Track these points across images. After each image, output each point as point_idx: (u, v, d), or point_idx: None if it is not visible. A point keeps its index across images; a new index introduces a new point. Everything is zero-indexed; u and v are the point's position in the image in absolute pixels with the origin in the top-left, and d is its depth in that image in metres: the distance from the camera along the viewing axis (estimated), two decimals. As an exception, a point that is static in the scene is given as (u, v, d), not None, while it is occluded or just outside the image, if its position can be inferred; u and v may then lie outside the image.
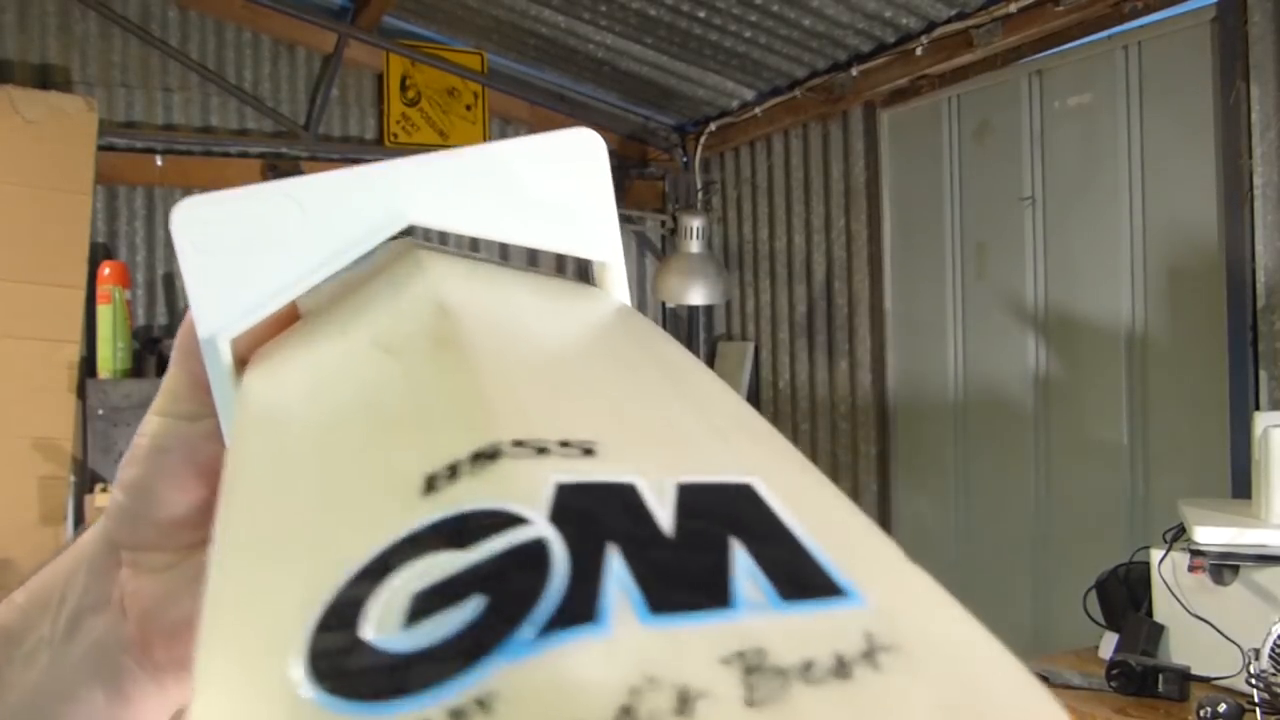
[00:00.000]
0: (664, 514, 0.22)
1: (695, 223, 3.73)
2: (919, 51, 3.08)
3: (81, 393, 3.22)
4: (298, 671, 0.20)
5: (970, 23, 2.89)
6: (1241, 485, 2.20)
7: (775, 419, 3.90)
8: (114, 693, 0.37)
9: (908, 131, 3.29)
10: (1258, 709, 1.61)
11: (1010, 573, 2.94)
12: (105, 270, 3.34)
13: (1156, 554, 1.96)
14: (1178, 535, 1.92)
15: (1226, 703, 1.63)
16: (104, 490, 3.16)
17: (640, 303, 4.36)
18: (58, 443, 3.11)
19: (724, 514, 0.22)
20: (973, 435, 3.08)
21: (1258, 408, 2.25)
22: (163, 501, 0.36)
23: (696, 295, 3.73)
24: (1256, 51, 2.27)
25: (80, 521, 3.25)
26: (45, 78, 3.49)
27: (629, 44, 3.55)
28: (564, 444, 0.24)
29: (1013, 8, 2.77)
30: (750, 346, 4.00)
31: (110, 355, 3.33)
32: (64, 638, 0.37)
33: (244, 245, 0.32)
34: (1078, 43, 2.71)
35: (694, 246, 3.72)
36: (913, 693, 0.19)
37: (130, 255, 3.64)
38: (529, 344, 0.30)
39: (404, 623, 0.20)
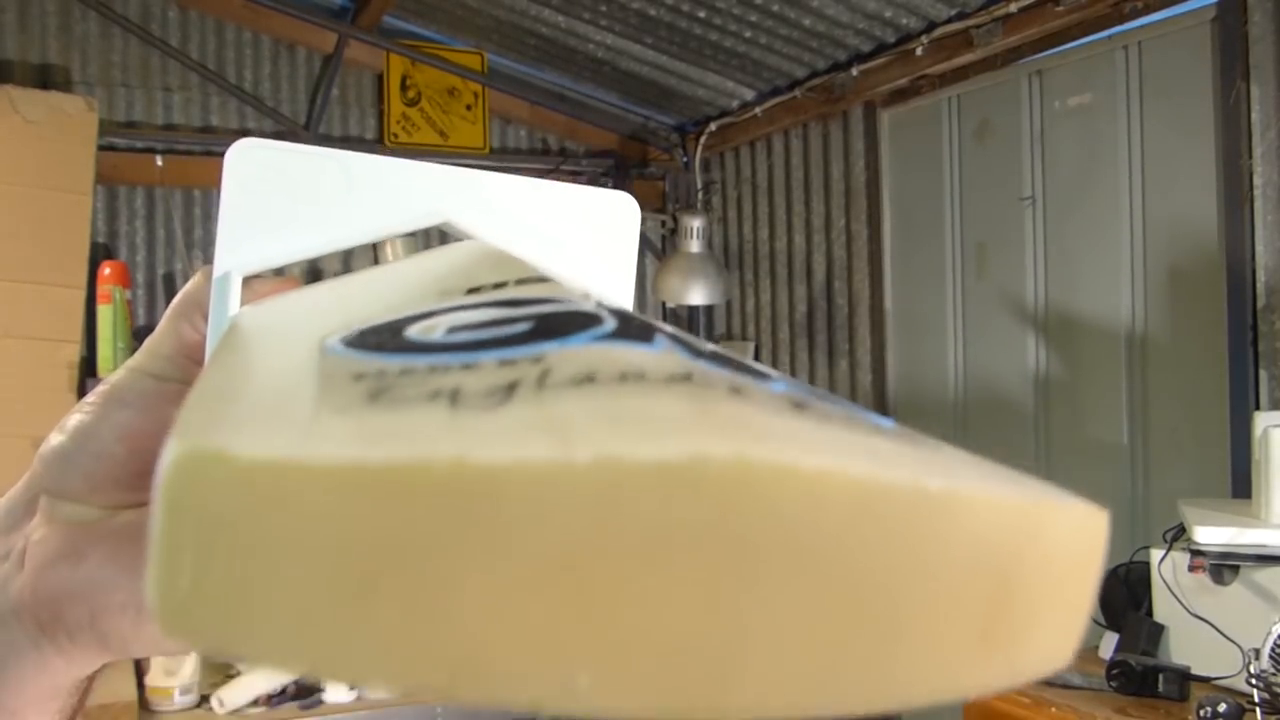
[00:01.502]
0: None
1: (695, 223, 3.73)
2: (919, 51, 3.08)
3: (81, 393, 3.22)
4: (329, 345, 0.22)
5: (970, 23, 2.89)
6: (1241, 485, 2.20)
7: (775, 419, 3.89)
8: (8, 655, 0.34)
9: (908, 131, 3.29)
10: (1258, 709, 1.61)
11: (1010, 573, 2.94)
12: (105, 270, 3.34)
13: (1156, 554, 1.96)
14: (1178, 535, 1.92)
15: (1226, 703, 1.63)
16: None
17: (640, 303, 4.35)
18: (58, 443, 3.10)
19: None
20: (973, 435, 3.08)
21: (1258, 408, 2.25)
22: (101, 450, 0.34)
23: (696, 295, 3.73)
24: (1256, 51, 2.27)
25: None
26: (45, 78, 3.49)
27: (629, 44, 3.55)
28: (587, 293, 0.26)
29: (1013, 8, 2.77)
30: (750, 346, 4.00)
31: (110, 355, 3.33)
32: None
33: (287, 196, 0.33)
34: (1078, 43, 2.71)
35: (694, 246, 3.72)
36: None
37: (130, 255, 3.64)
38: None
39: (456, 330, 0.22)
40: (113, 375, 0.35)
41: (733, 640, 0.18)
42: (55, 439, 0.35)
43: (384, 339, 0.23)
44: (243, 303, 0.33)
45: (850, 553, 0.18)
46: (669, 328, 0.24)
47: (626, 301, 0.37)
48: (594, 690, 0.17)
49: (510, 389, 0.20)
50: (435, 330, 0.23)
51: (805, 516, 0.18)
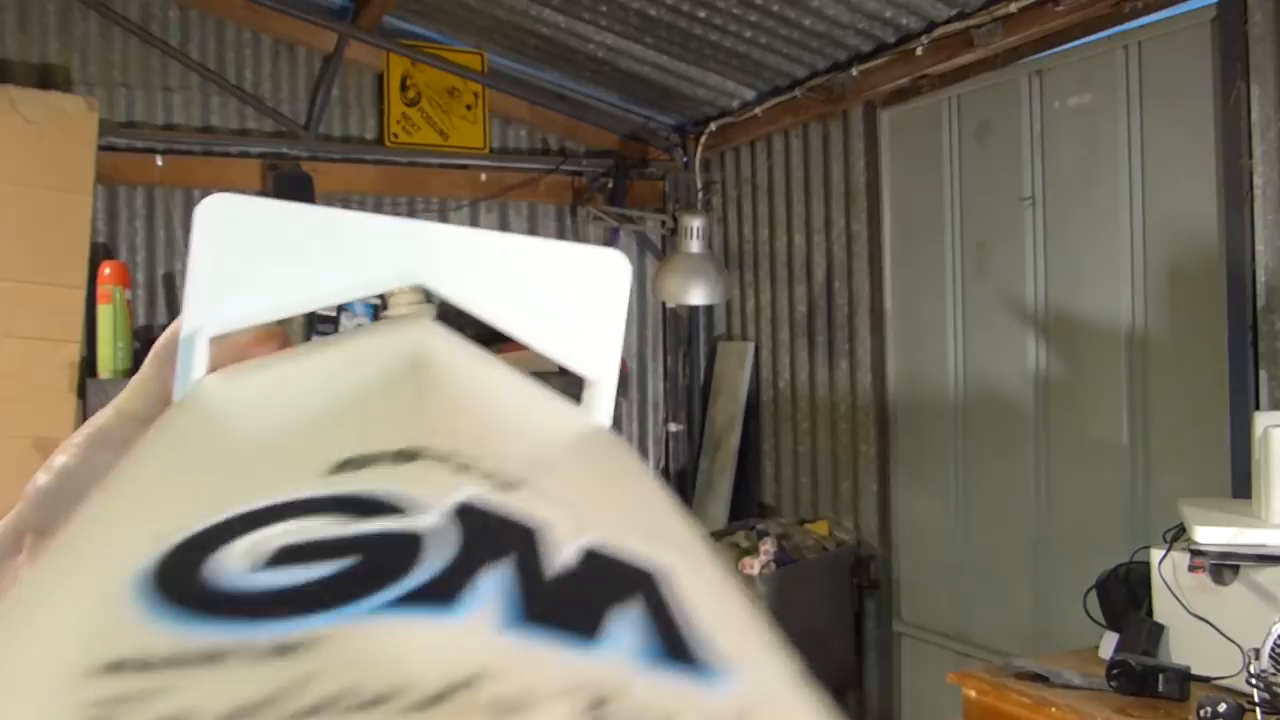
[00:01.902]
0: (563, 559, 0.21)
1: (695, 223, 3.73)
2: (919, 51, 3.08)
3: (82, 392, 3.22)
4: (125, 581, 0.19)
5: (970, 23, 2.89)
6: (1241, 485, 2.20)
7: (775, 419, 3.90)
8: None
9: (908, 131, 3.29)
10: (1258, 709, 1.61)
11: (1010, 573, 2.94)
12: (105, 270, 3.34)
13: (1156, 554, 1.96)
14: (1178, 535, 1.92)
15: (1226, 703, 1.63)
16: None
17: (640, 303, 4.36)
18: (58, 442, 3.09)
19: (620, 579, 0.22)
20: (973, 435, 3.08)
21: (1258, 408, 2.25)
22: (83, 494, 0.33)
23: (696, 295, 3.73)
24: (1256, 51, 2.27)
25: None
26: (45, 78, 3.49)
27: (629, 44, 3.56)
28: (489, 475, 0.23)
29: (1013, 8, 2.77)
30: (750, 346, 4.00)
31: (110, 355, 3.33)
32: None
33: (258, 253, 0.32)
34: (1078, 43, 2.71)
35: (694, 246, 3.72)
36: None
37: (130, 255, 3.64)
38: (495, 403, 0.30)
39: (260, 566, 0.20)
40: (99, 416, 0.36)
41: None
42: (41, 478, 0.36)
43: (186, 580, 0.20)
44: (215, 359, 0.32)
45: None
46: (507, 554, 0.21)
47: (612, 361, 0.36)
48: None
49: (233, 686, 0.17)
50: (251, 559, 0.20)
51: None
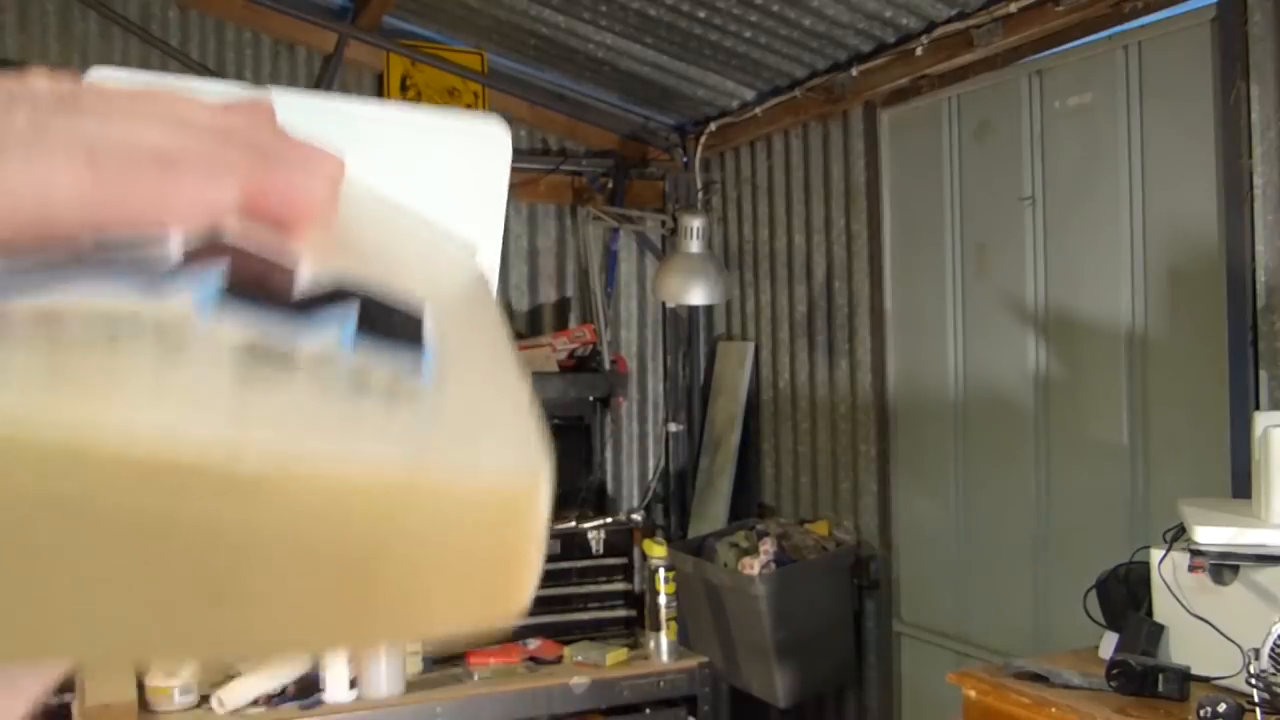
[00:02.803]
0: (300, 281, 0.25)
1: (695, 223, 3.73)
2: (919, 51, 3.08)
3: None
4: None
5: (970, 23, 2.89)
6: (1241, 485, 2.20)
7: (775, 419, 3.90)
8: None
9: (908, 131, 3.29)
10: (1258, 709, 1.61)
11: (1010, 573, 2.94)
12: (105, 270, 3.34)
13: (1156, 554, 1.96)
14: (1178, 535, 1.92)
15: (1226, 703, 1.63)
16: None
17: (640, 302, 4.36)
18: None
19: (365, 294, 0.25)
20: (973, 435, 3.08)
21: (1258, 408, 2.25)
22: None
23: (696, 295, 3.73)
24: (1256, 51, 2.27)
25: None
26: (45, 78, 3.48)
27: (629, 44, 3.55)
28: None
29: (1013, 8, 2.77)
30: (750, 346, 4.00)
31: (110, 355, 3.33)
32: None
33: None
34: (1078, 43, 2.71)
35: (694, 246, 3.72)
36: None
37: (130, 255, 3.64)
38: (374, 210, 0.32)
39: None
40: None
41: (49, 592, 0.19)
42: None
43: None
44: None
45: (141, 519, 0.19)
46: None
47: (495, 232, 0.36)
48: None
49: None
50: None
51: (94, 485, 0.19)
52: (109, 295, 0.22)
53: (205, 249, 0.24)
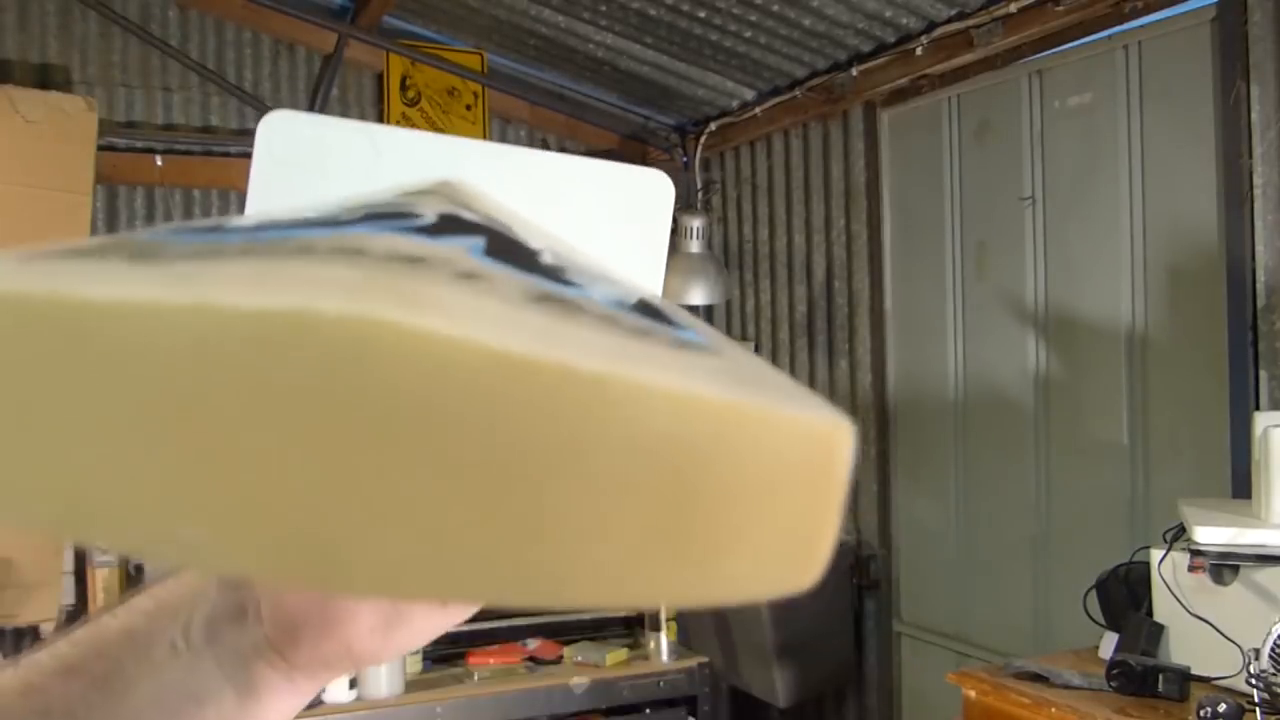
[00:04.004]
0: (531, 239, 0.26)
1: (695, 223, 3.73)
2: (919, 51, 3.08)
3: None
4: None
5: (970, 23, 2.89)
6: (1241, 485, 2.20)
7: (775, 419, 3.89)
8: (245, 691, 0.39)
9: (908, 131, 3.29)
10: (1258, 709, 1.61)
11: (1010, 572, 2.94)
12: (105, 270, 3.34)
13: (1156, 554, 1.96)
14: (1178, 535, 1.92)
15: (1226, 703, 1.63)
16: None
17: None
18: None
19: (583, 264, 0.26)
20: (973, 435, 3.08)
21: (1258, 408, 2.25)
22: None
23: (696, 295, 3.73)
24: (1256, 51, 2.27)
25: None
26: (45, 78, 3.49)
27: (629, 44, 3.55)
28: (488, 219, 0.27)
29: (1013, 8, 2.77)
30: (750, 346, 4.00)
31: (110, 355, 3.33)
32: (201, 644, 0.38)
33: (315, 167, 0.34)
34: (1078, 43, 2.71)
35: (694, 246, 3.72)
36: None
37: (130, 255, 3.64)
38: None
39: (282, 221, 0.24)
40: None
41: (342, 512, 0.17)
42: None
43: (205, 228, 0.24)
44: None
45: (480, 429, 0.18)
46: (513, 238, 0.25)
47: (655, 278, 0.37)
48: (201, 544, 0.17)
49: (209, 254, 0.20)
50: (259, 222, 0.24)
51: (430, 385, 0.17)
52: (395, 239, 0.22)
53: (458, 222, 0.25)
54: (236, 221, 0.24)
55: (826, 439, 0.21)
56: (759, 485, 0.20)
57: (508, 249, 0.24)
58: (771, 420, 0.20)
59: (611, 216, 0.36)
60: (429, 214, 0.24)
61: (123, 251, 0.20)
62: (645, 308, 0.24)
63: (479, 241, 0.24)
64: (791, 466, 0.21)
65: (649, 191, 0.37)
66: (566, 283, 0.23)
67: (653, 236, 0.37)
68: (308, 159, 0.34)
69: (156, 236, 0.22)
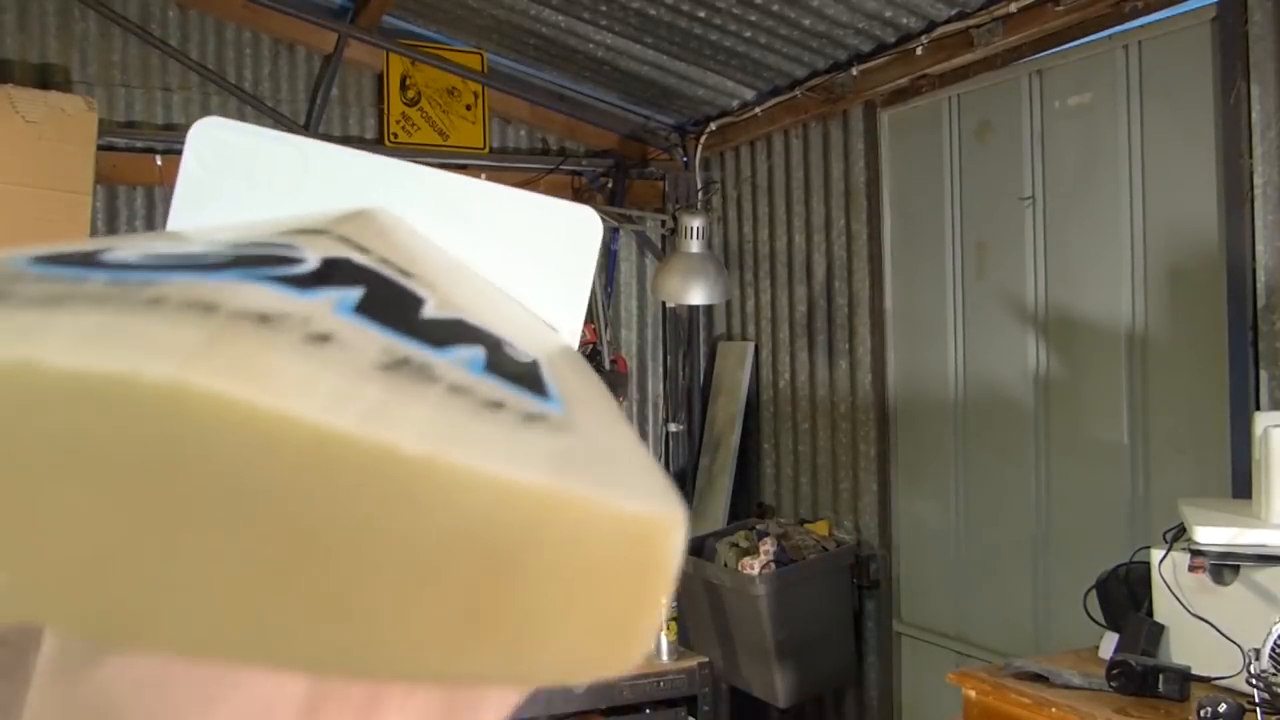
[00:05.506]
0: (428, 309, 0.25)
1: (695, 223, 3.73)
2: (919, 51, 3.08)
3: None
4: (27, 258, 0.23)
5: (970, 23, 2.89)
6: (1241, 485, 2.20)
7: (775, 419, 3.90)
8: None
9: (908, 131, 3.29)
10: (1258, 709, 1.61)
11: (1010, 573, 2.94)
12: (105, 270, 3.33)
13: (1156, 554, 1.96)
14: (1178, 535, 1.92)
15: (1226, 703, 1.63)
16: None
17: (640, 302, 4.36)
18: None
19: (473, 331, 0.26)
20: (973, 435, 3.08)
21: (1258, 408, 2.25)
22: None
23: (696, 295, 3.73)
24: (1256, 51, 2.27)
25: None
26: (45, 78, 3.49)
27: (629, 44, 3.55)
28: (383, 260, 0.27)
29: (1013, 8, 2.77)
30: (750, 346, 3.99)
31: (110, 355, 3.33)
32: None
33: (244, 176, 0.34)
34: (1078, 43, 2.71)
35: (694, 246, 3.72)
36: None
37: (130, 255, 3.63)
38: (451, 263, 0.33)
39: (149, 257, 0.24)
40: None
41: (148, 570, 0.18)
42: None
43: (75, 258, 0.23)
44: None
45: (288, 506, 0.18)
46: (394, 288, 0.25)
47: (575, 317, 0.36)
48: (12, 590, 0.18)
49: (58, 300, 0.20)
50: (132, 255, 0.24)
51: (241, 459, 0.18)
52: (256, 292, 0.22)
53: (340, 269, 0.24)
54: (111, 253, 0.24)
55: (649, 531, 0.21)
56: (575, 573, 0.21)
57: (384, 302, 0.24)
58: (593, 510, 0.21)
59: (536, 251, 0.36)
60: (311, 259, 0.24)
61: None
62: (513, 371, 0.24)
63: (353, 294, 0.23)
64: (610, 557, 0.21)
65: (578, 228, 0.37)
66: (434, 343, 0.23)
67: (577, 274, 0.37)
68: (238, 169, 0.34)
69: (18, 268, 0.22)
